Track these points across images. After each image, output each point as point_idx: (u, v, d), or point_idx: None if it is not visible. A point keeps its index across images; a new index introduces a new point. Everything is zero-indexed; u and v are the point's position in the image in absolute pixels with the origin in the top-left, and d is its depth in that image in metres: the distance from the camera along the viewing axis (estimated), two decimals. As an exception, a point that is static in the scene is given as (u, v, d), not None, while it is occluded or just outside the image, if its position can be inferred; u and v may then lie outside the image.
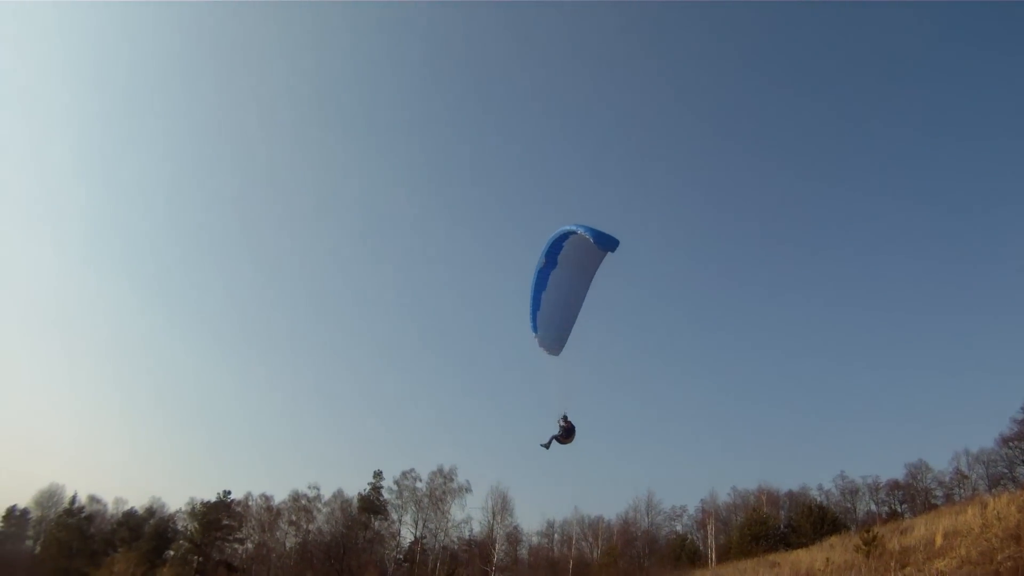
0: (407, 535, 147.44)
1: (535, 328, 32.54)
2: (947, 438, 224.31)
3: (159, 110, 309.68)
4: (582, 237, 28.25)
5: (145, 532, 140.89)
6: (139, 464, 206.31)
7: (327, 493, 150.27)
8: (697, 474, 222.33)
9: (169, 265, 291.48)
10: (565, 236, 29.47)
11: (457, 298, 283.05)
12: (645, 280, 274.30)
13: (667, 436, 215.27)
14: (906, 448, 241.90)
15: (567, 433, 32.24)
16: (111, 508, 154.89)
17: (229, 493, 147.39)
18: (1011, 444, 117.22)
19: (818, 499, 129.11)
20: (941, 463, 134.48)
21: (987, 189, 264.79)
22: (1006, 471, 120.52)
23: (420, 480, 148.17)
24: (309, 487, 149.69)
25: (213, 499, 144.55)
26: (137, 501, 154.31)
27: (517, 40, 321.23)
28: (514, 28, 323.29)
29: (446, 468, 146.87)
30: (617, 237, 27.87)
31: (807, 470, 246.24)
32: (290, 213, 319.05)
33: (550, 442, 32.16)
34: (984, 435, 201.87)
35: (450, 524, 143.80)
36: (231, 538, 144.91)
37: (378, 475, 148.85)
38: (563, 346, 33.17)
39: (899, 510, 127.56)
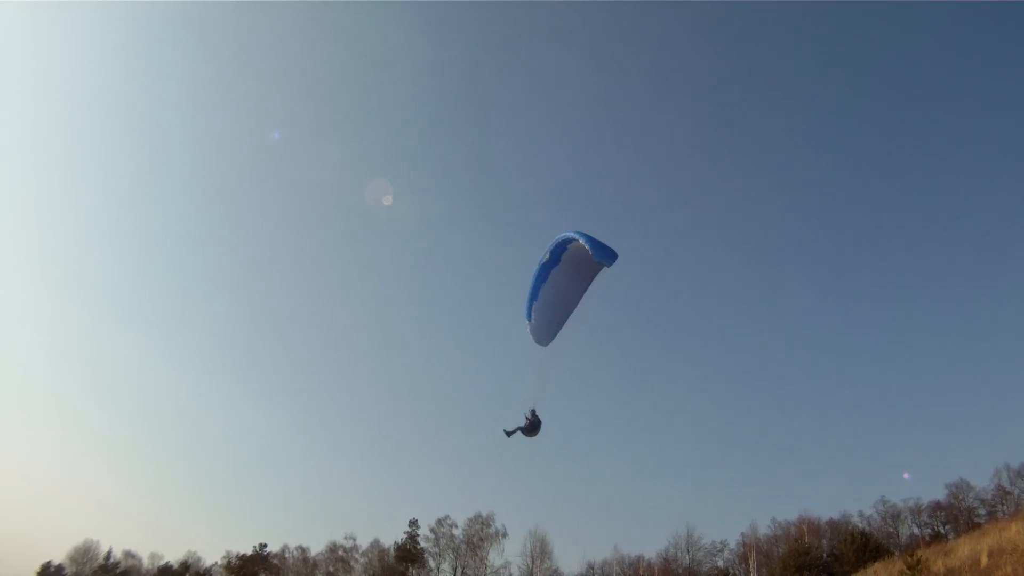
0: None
1: (529, 316, 33.22)
2: (987, 455, 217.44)
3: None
4: (580, 246, 28.34)
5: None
6: (174, 518, 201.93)
7: (364, 543, 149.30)
8: (736, 507, 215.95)
9: (201, 317, 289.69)
10: (569, 240, 29.58)
11: (487, 341, 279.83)
12: (672, 311, 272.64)
13: (704, 469, 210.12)
14: (946, 468, 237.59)
15: (532, 427, 32.88)
16: (146, 563, 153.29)
17: (265, 546, 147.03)
18: None
19: (860, 526, 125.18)
20: (983, 480, 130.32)
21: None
22: None
23: (456, 527, 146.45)
24: (345, 537, 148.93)
25: (249, 552, 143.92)
26: (172, 555, 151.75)
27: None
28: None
29: (484, 514, 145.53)
30: (616, 251, 27.83)
31: (847, 497, 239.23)
32: (321, 265, 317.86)
33: (515, 431, 32.78)
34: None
35: (488, 570, 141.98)
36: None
37: (414, 523, 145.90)
38: (552, 339, 33.63)
39: (942, 531, 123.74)
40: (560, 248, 30.56)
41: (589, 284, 31.35)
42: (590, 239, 27.82)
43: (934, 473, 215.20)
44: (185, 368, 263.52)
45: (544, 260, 31.60)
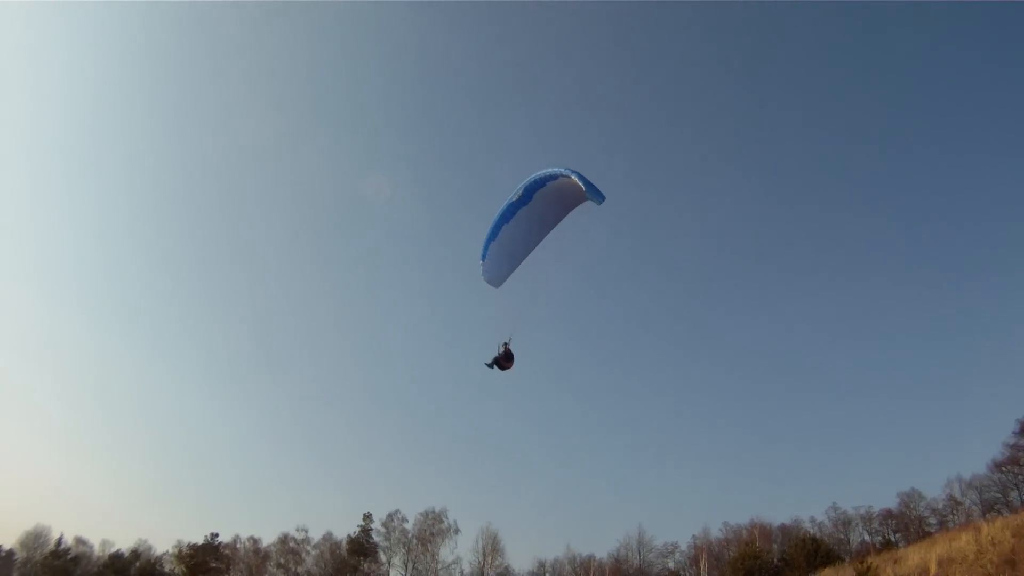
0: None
1: (484, 255, 33.17)
2: (939, 465, 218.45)
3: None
4: (571, 183, 28.28)
5: (131, 575, 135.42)
6: (126, 505, 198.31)
7: (316, 535, 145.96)
8: (689, 510, 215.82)
9: (156, 305, 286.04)
10: (553, 177, 29.38)
11: (446, 343, 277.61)
12: (633, 312, 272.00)
13: (658, 472, 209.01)
14: (898, 477, 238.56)
15: (507, 357, 33.37)
16: (97, 549, 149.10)
17: (217, 536, 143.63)
18: (1003, 469, 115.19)
19: (811, 531, 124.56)
20: (934, 491, 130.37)
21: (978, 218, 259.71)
22: (999, 496, 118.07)
23: (407, 521, 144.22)
24: (297, 529, 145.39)
25: (200, 541, 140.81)
26: (124, 543, 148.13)
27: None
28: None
29: (436, 509, 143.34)
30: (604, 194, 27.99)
31: (799, 503, 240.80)
32: (280, 251, 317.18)
33: (493, 362, 33.39)
34: (976, 461, 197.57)
35: (440, 566, 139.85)
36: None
37: (367, 517, 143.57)
38: (503, 281, 33.85)
39: (893, 539, 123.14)
40: (537, 184, 30.20)
41: (556, 223, 31.54)
42: (583, 178, 27.68)
43: (887, 481, 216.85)
44: (140, 354, 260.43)
45: (513, 199, 31.14)
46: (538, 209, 30.75)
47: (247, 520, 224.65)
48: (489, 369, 33.48)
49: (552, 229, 31.85)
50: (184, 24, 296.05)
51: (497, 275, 33.45)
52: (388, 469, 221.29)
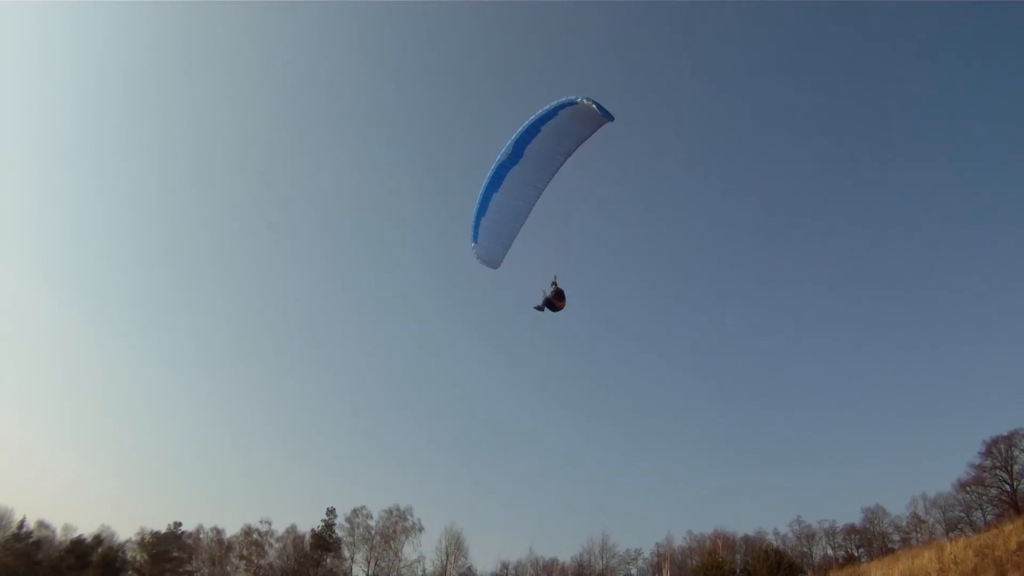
0: (359, 574, 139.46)
1: (475, 237, 30.39)
2: (904, 483, 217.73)
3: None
4: (572, 113, 26.50)
5: (93, 561, 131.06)
6: (89, 490, 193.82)
7: (280, 528, 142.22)
8: (652, 517, 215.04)
9: (122, 290, 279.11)
10: (547, 116, 27.09)
11: (418, 344, 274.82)
12: (605, 318, 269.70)
13: (622, 478, 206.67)
14: (863, 493, 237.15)
15: (558, 296, 30.50)
16: (60, 534, 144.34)
17: (180, 525, 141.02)
18: (968, 489, 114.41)
19: (774, 544, 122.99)
20: (898, 508, 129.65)
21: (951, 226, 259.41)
22: (963, 515, 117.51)
23: (371, 518, 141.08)
24: (261, 521, 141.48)
25: (163, 530, 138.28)
26: (86, 528, 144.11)
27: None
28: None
29: (401, 507, 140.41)
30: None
31: (763, 515, 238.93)
32: (253, 245, 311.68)
33: (543, 305, 30.62)
34: (941, 480, 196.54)
35: (402, 564, 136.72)
36: (180, 571, 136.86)
37: (331, 512, 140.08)
38: (503, 258, 31.17)
39: (856, 555, 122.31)
40: (529, 134, 27.75)
41: (562, 162, 28.61)
42: (592, 100, 25.61)
43: (851, 497, 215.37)
44: (105, 337, 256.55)
45: (502, 159, 28.52)
46: (530, 165, 28.43)
47: (211, 510, 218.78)
48: (540, 312, 30.68)
49: (550, 180, 29.21)
50: (187, 22, 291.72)
51: (495, 253, 30.85)
52: (354, 465, 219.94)
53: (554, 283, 30.32)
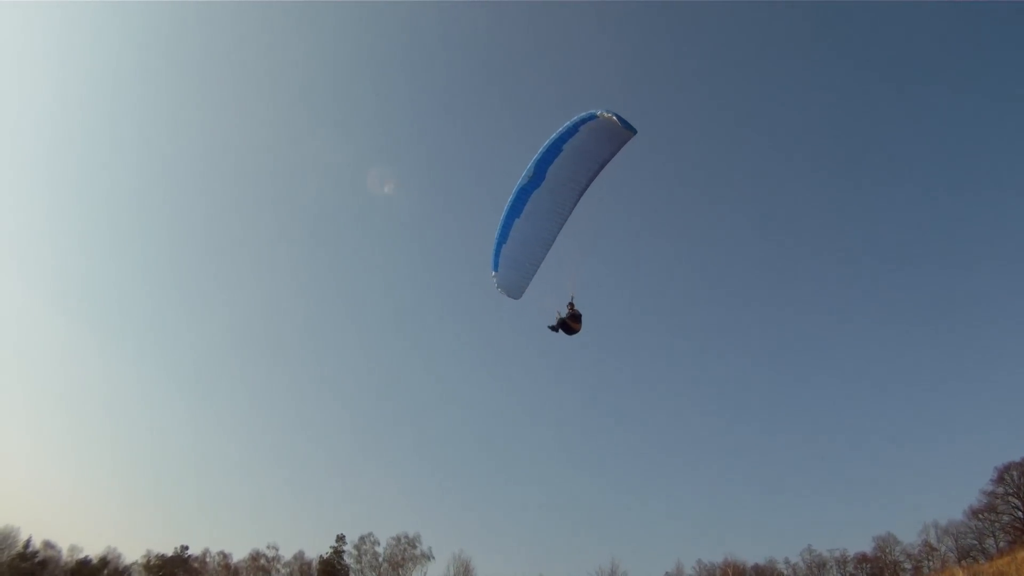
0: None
1: (496, 266, 29.18)
2: (916, 510, 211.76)
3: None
4: (593, 128, 25.77)
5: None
6: (97, 511, 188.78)
7: (287, 553, 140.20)
8: (662, 545, 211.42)
9: (130, 311, 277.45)
10: (568, 134, 26.41)
11: (426, 370, 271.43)
12: (613, 344, 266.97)
13: (635, 505, 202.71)
14: (874, 521, 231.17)
15: (574, 318, 29.50)
16: (65, 554, 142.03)
17: (187, 548, 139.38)
18: (980, 516, 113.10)
19: (785, 573, 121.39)
20: (910, 536, 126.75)
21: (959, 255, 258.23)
22: (975, 543, 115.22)
23: (379, 544, 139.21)
24: (268, 547, 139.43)
25: (170, 553, 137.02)
26: (92, 549, 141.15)
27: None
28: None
29: (410, 534, 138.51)
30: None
31: (774, 543, 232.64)
32: (262, 266, 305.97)
33: (558, 325, 29.59)
34: (953, 507, 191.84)
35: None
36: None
37: (340, 539, 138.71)
38: (524, 290, 29.79)
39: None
40: (551, 154, 26.95)
41: (581, 195, 27.73)
42: (614, 112, 25.13)
43: (863, 525, 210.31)
44: (113, 362, 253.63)
45: (523, 183, 27.73)
46: (553, 186, 27.50)
47: (217, 534, 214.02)
48: (554, 333, 29.62)
49: (575, 205, 28.11)
50: (182, 19, 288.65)
51: (517, 284, 29.68)
52: (362, 490, 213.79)
53: (571, 304, 29.59)
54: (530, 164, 27.39)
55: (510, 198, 28.10)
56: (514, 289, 29.68)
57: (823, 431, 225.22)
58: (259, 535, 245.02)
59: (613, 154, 27.02)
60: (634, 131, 25.39)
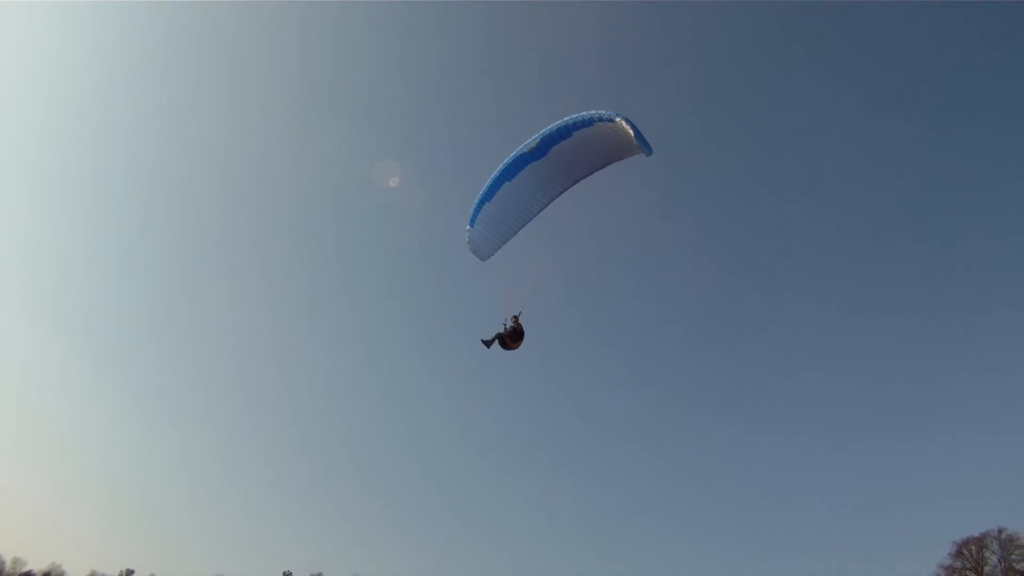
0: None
1: (473, 221, 28.26)
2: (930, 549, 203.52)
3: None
4: (612, 129, 24.58)
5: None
6: (42, 525, 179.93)
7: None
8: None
9: (97, 321, 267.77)
10: (586, 123, 25.25)
11: (388, 405, 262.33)
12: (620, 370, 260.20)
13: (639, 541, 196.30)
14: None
15: (515, 336, 27.89)
16: (9, 566, 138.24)
17: (132, 572, 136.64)
18: None
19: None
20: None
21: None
22: None
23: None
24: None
25: (115, 575, 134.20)
26: (36, 564, 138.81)
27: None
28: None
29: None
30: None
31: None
32: (229, 286, 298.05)
33: (493, 340, 27.68)
34: None
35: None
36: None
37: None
38: (493, 252, 28.98)
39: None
40: (561, 134, 26.06)
41: (573, 184, 27.32)
42: (632, 123, 23.68)
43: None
44: (70, 367, 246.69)
45: (523, 150, 26.82)
46: (554, 166, 26.69)
47: (164, 560, 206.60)
48: (487, 348, 27.79)
49: (565, 191, 27.56)
50: (189, 15, 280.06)
51: (486, 244, 28.66)
52: (312, 526, 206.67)
53: (515, 318, 28.23)
54: (535, 137, 26.72)
55: (505, 161, 27.36)
56: (483, 249, 28.89)
57: (775, 495, 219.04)
58: (208, 565, 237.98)
59: (619, 159, 26.68)
60: (648, 151, 24.67)
